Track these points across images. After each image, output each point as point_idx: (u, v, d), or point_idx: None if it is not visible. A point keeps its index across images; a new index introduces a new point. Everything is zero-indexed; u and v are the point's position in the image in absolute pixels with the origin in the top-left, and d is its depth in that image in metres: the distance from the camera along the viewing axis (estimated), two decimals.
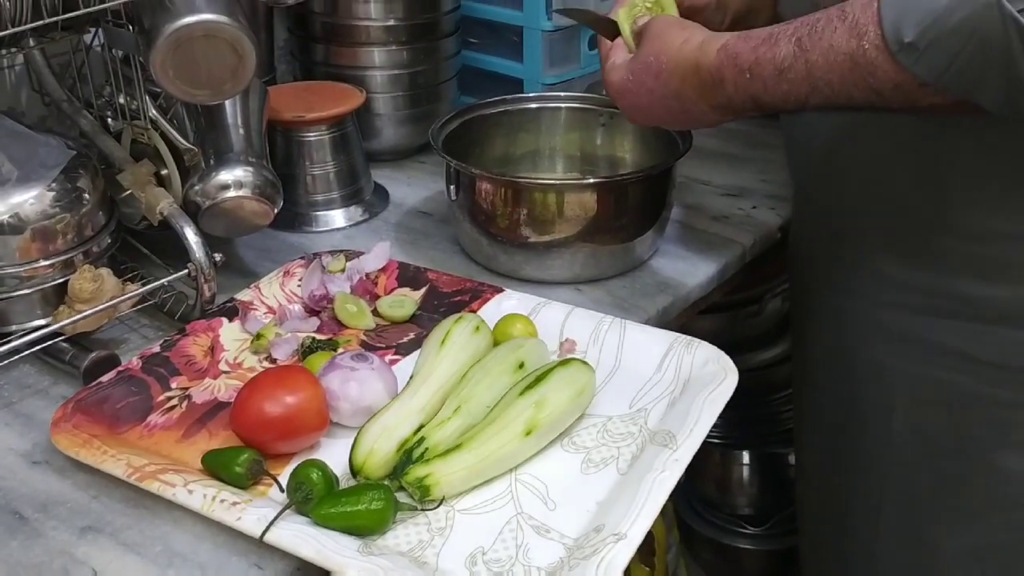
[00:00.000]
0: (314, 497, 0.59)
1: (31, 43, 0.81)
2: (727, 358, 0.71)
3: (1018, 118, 0.61)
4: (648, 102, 0.75)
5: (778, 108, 0.67)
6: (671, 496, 0.59)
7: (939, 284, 0.76)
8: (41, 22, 0.71)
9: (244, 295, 0.81)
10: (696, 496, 1.54)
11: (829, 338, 0.88)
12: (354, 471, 0.62)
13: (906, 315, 0.79)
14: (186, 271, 0.78)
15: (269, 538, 0.56)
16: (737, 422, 1.48)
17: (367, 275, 0.84)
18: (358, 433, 0.64)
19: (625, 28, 0.79)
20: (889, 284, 0.79)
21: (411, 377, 0.69)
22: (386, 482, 0.61)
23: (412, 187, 1.07)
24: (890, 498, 0.85)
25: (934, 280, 0.76)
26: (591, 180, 0.87)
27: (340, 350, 0.75)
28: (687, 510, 1.53)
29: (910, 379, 0.80)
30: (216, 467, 0.62)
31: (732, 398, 0.68)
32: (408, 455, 0.62)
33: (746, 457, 1.50)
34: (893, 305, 0.80)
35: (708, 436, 0.64)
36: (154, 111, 0.81)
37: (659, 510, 0.58)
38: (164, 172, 0.82)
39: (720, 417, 0.66)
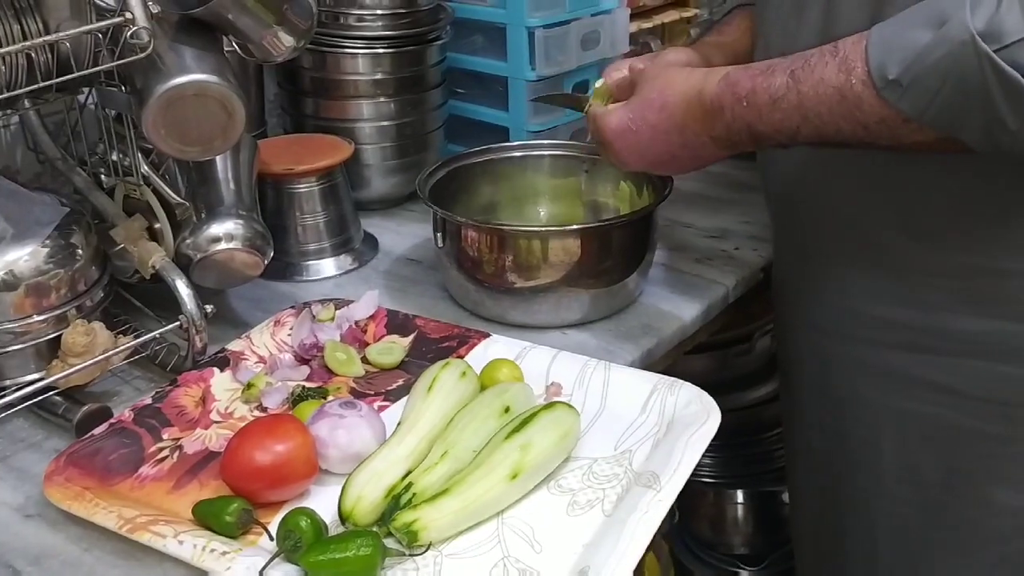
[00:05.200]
0: (303, 545, 0.59)
1: (26, 104, 0.84)
2: (709, 398, 0.72)
3: (999, 155, 0.63)
4: (649, 138, 0.77)
5: (772, 139, 0.70)
6: (667, 538, 0.60)
7: (920, 320, 0.77)
8: (36, 85, 0.73)
9: (235, 345, 0.82)
10: (692, 537, 1.54)
11: (815, 377, 0.89)
12: (343, 518, 0.63)
13: (888, 352, 0.80)
14: (178, 323, 0.79)
15: None
16: (730, 461, 1.49)
17: (356, 323, 0.86)
18: (346, 480, 0.65)
19: (599, 101, 0.84)
20: (870, 322, 0.80)
21: (399, 423, 0.70)
22: (375, 528, 0.62)
23: (401, 235, 1.09)
24: (884, 535, 0.86)
25: (914, 317, 0.77)
26: (575, 226, 0.89)
27: (330, 398, 0.76)
28: (683, 551, 1.52)
29: (896, 416, 0.81)
30: (206, 517, 0.63)
31: (724, 437, 0.69)
32: (396, 501, 0.63)
33: (740, 496, 1.51)
34: (875, 343, 0.81)
35: (702, 476, 0.65)
36: (146, 167, 0.83)
37: (643, 551, 0.59)
38: (156, 226, 0.84)
39: (713, 456, 0.68)
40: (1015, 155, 0.63)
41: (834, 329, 0.84)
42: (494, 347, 0.81)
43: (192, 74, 0.71)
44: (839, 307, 0.83)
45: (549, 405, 0.69)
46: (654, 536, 0.61)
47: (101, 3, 0.73)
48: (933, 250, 0.74)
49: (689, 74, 0.75)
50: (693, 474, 0.65)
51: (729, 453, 1.48)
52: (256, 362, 0.82)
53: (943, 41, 0.59)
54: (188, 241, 0.81)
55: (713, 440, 0.68)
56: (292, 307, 0.87)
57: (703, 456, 0.68)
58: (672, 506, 0.63)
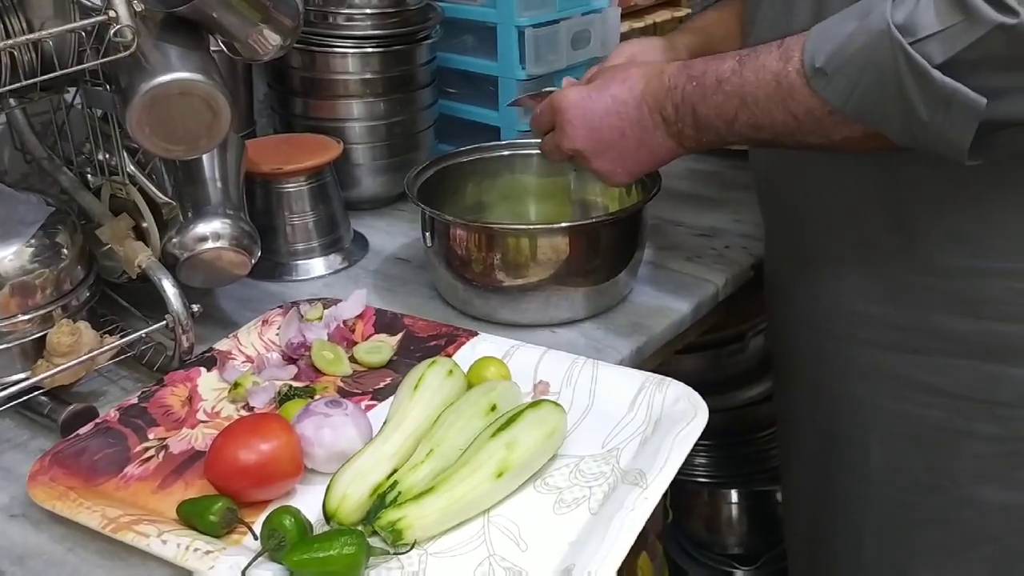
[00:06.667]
0: (287, 544, 0.59)
1: (12, 103, 0.83)
2: (697, 396, 0.72)
3: (919, 150, 0.63)
4: (603, 108, 0.75)
5: (712, 126, 0.70)
6: (661, 538, 0.59)
7: (909, 320, 0.77)
8: (20, 84, 0.73)
9: (223, 344, 0.82)
10: (686, 537, 1.54)
11: (805, 375, 0.89)
12: (328, 517, 0.63)
13: (878, 351, 0.80)
14: (164, 322, 0.79)
15: None
16: (724, 461, 1.48)
17: (344, 322, 0.85)
18: (331, 479, 0.64)
19: None
20: (861, 320, 0.80)
21: (384, 422, 0.70)
22: (360, 527, 0.62)
23: (391, 234, 1.09)
24: (871, 534, 0.86)
25: (904, 316, 0.77)
26: (563, 224, 0.89)
27: (317, 397, 0.75)
28: (678, 551, 1.52)
29: (885, 415, 0.81)
30: (191, 516, 0.63)
31: (718, 437, 0.69)
32: (381, 499, 0.62)
33: (734, 496, 1.50)
34: (865, 342, 0.80)
35: (696, 475, 0.65)
36: (132, 167, 0.83)
37: (629, 548, 0.58)
38: (143, 225, 0.84)
39: (707, 456, 0.67)
40: (930, 149, 0.63)
41: (825, 327, 0.84)
42: (482, 346, 0.81)
43: (177, 72, 0.71)
44: (830, 305, 0.83)
45: (535, 403, 0.69)
46: (648, 536, 0.61)
47: (85, 1, 0.72)
48: (922, 249, 0.74)
49: (656, 61, 0.78)
50: (687, 474, 0.65)
51: (723, 453, 1.48)
52: (243, 361, 0.81)
53: (863, 31, 0.61)
54: (175, 240, 0.81)
55: (707, 440, 0.68)
56: (280, 306, 0.87)
57: (697, 456, 0.68)
58: (666, 506, 0.62)
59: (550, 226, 0.90)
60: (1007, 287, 0.72)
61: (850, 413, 0.84)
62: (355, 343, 0.84)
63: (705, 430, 0.69)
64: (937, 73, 0.58)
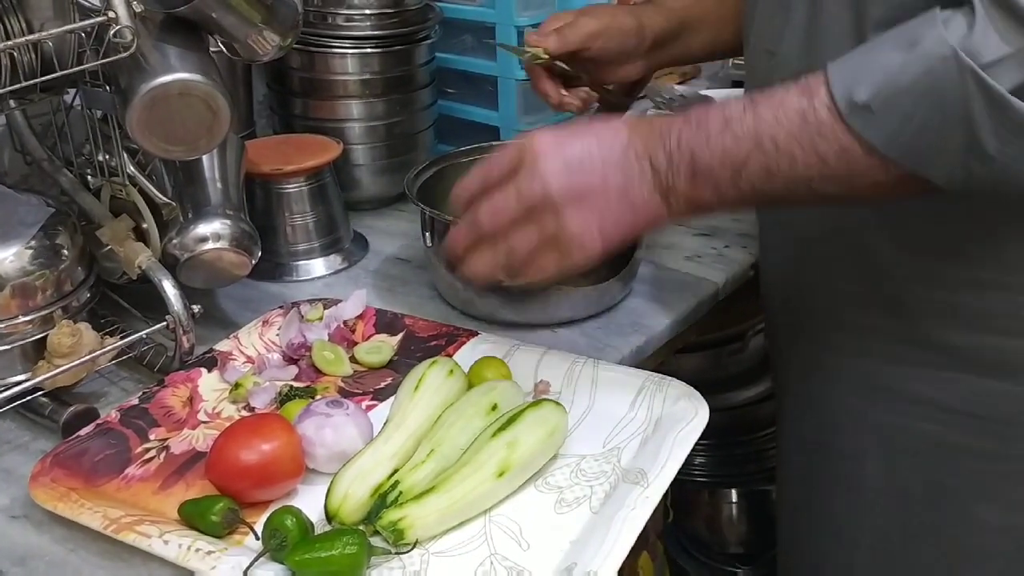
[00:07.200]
0: (288, 544, 0.59)
1: (12, 104, 0.83)
2: (698, 395, 0.72)
3: (973, 189, 0.58)
4: (583, 146, 0.62)
5: (714, 173, 0.61)
6: (662, 537, 0.59)
7: (907, 332, 0.75)
8: (19, 85, 0.73)
9: (223, 345, 0.82)
10: (686, 536, 1.54)
11: (802, 385, 0.88)
12: (329, 516, 0.63)
13: (876, 363, 0.78)
14: (165, 323, 0.79)
15: None
16: (724, 460, 1.48)
17: (345, 322, 0.85)
18: (333, 479, 0.64)
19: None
20: (857, 332, 0.79)
21: (385, 422, 0.70)
22: (361, 527, 0.62)
23: (391, 235, 1.09)
24: (865, 549, 0.84)
25: (902, 328, 0.75)
26: None
27: (317, 397, 0.75)
28: (678, 551, 1.52)
29: (882, 427, 0.79)
30: (192, 517, 0.63)
31: (718, 436, 0.69)
32: (382, 499, 0.62)
33: (734, 495, 1.50)
34: (862, 353, 0.79)
35: (696, 475, 0.64)
36: (132, 167, 0.83)
37: (630, 547, 0.59)
38: (143, 226, 0.84)
39: (707, 455, 0.67)
40: (984, 188, 0.58)
41: (822, 337, 0.83)
42: (482, 345, 0.81)
43: (176, 73, 0.71)
44: (827, 316, 0.81)
45: (536, 403, 0.69)
46: (649, 535, 0.61)
47: (84, 2, 0.72)
48: (920, 260, 0.73)
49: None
50: (687, 473, 0.65)
51: (723, 452, 1.48)
52: (244, 362, 0.81)
53: (919, 58, 0.55)
54: (175, 241, 0.81)
55: (707, 439, 0.68)
56: (280, 307, 0.87)
57: (697, 455, 0.68)
58: (667, 505, 0.62)
59: None
60: (1009, 300, 0.70)
61: (845, 424, 0.82)
62: (355, 343, 0.84)
63: (705, 429, 0.69)
64: (1015, 100, 0.53)
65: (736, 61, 1.48)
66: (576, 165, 0.62)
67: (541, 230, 0.62)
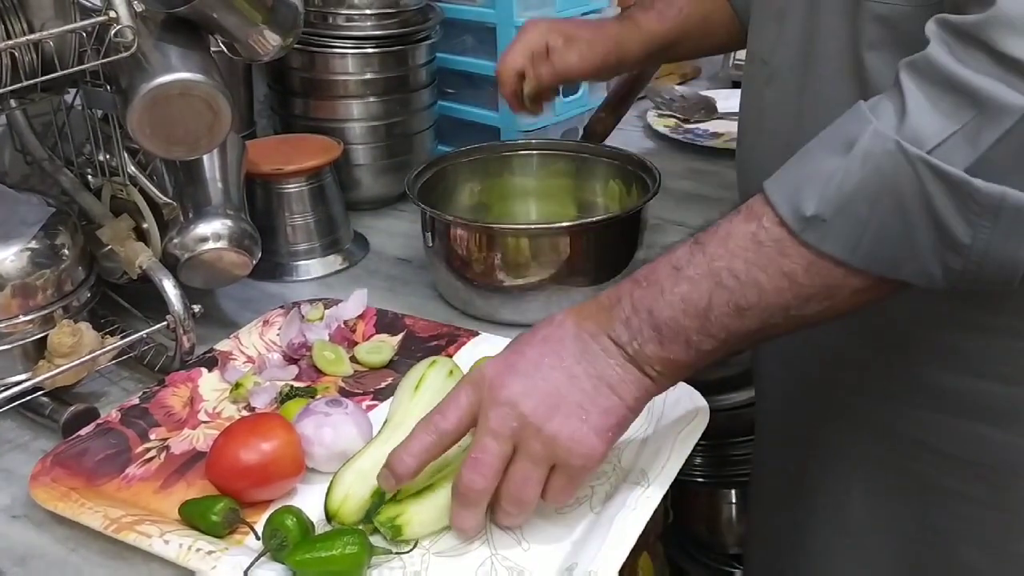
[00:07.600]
0: (289, 544, 0.59)
1: (12, 104, 0.83)
2: (699, 395, 0.72)
3: (956, 284, 0.53)
4: (536, 355, 0.59)
5: (679, 327, 0.56)
6: (662, 538, 0.59)
7: (898, 371, 0.73)
8: (20, 84, 0.73)
9: (223, 345, 0.82)
10: (686, 537, 1.54)
11: (782, 420, 0.86)
12: (329, 516, 0.63)
13: (862, 398, 0.76)
14: (165, 323, 0.79)
15: None
16: (724, 461, 1.48)
17: (345, 322, 0.85)
18: (333, 478, 0.64)
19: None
20: (846, 367, 0.77)
21: (385, 422, 0.70)
22: (361, 527, 0.62)
23: (391, 235, 1.09)
24: None
25: (893, 367, 0.73)
26: (563, 224, 0.89)
27: (318, 397, 0.75)
28: (678, 552, 1.52)
29: (868, 464, 0.77)
30: (193, 517, 0.63)
31: (718, 437, 0.68)
32: (381, 498, 0.62)
33: (734, 496, 1.50)
34: (851, 388, 0.77)
35: (696, 476, 0.64)
36: (133, 167, 0.83)
37: (631, 547, 0.59)
38: (144, 226, 0.84)
39: (707, 456, 0.67)
40: (968, 283, 0.53)
41: (809, 370, 0.80)
42: (482, 345, 0.81)
43: (177, 73, 0.71)
44: (816, 349, 0.78)
45: None
46: (649, 536, 0.60)
47: (85, 2, 0.73)
48: (918, 301, 0.66)
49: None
50: (687, 474, 0.65)
51: (723, 453, 1.48)
52: (244, 362, 0.81)
53: (861, 158, 0.51)
54: (175, 241, 0.81)
55: (707, 440, 0.67)
56: (281, 307, 0.87)
57: (697, 456, 0.67)
58: (667, 506, 0.62)
59: (550, 226, 0.90)
60: (1009, 346, 0.67)
61: (829, 458, 0.80)
62: (356, 343, 0.84)
63: (706, 430, 0.69)
64: (975, 179, 0.49)
65: (736, 61, 1.48)
66: (536, 377, 0.58)
67: (532, 458, 0.58)
